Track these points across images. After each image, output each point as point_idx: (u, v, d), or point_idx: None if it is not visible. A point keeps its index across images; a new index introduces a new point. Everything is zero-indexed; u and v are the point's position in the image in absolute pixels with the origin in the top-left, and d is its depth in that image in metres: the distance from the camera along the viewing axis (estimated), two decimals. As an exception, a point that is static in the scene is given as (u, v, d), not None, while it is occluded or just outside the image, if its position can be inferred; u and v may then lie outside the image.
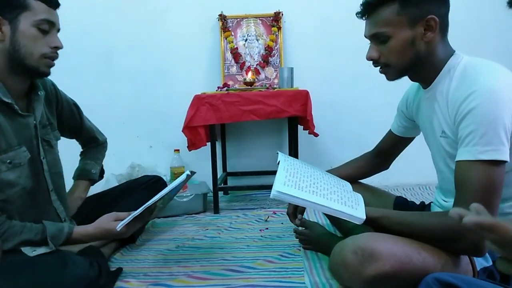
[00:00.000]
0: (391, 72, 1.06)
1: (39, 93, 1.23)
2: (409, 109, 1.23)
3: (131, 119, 2.47)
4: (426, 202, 1.30)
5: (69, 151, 1.49)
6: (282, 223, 1.82)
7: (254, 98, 1.96)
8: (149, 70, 2.44)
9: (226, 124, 2.42)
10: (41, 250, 1.10)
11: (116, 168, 2.21)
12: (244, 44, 2.37)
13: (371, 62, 1.07)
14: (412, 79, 1.12)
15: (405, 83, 1.17)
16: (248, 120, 1.98)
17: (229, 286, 1.22)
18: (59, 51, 1.17)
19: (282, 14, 2.36)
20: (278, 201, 1.75)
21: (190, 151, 2.03)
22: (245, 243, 1.59)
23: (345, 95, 2.46)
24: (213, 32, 2.40)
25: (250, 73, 2.26)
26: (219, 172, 2.28)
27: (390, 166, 1.40)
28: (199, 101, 1.95)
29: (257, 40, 2.37)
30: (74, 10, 2.23)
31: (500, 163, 0.87)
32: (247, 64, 2.36)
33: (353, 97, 2.45)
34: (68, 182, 1.43)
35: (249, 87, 2.15)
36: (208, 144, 2.04)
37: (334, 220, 1.47)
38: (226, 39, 2.36)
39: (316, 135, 2.05)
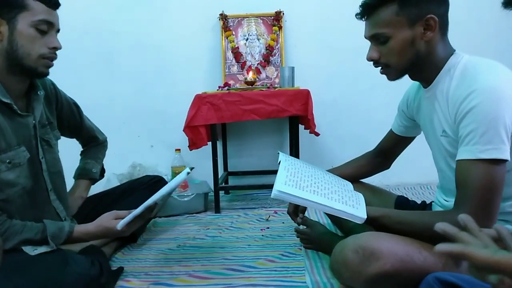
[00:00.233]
0: (392, 72, 1.06)
1: (38, 93, 1.23)
2: (410, 108, 1.23)
3: (132, 119, 2.47)
4: (427, 202, 1.30)
5: (69, 151, 1.49)
6: (283, 223, 1.82)
7: (255, 97, 1.96)
8: (150, 69, 2.44)
9: (227, 124, 2.42)
10: (42, 249, 1.10)
11: (117, 168, 2.21)
12: (245, 44, 2.37)
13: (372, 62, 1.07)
14: (413, 79, 1.12)
15: (406, 83, 1.17)
16: (249, 119, 1.98)
17: (230, 286, 1.22)
18: (60, 51, 1.17)
19: (283, 14, 2.36)
20: (279, 200, 1.76)
21: (191, 150, 2.03)
22: (246, 242, 1.59)
23: (346, 95, 2.45)
24: (214, 31, 2.40)
25: (251, 73, 2.26)
26: (220, 172, 2.28)
27: (391, 166, 1.40)
28: (200, 101, 1.95)
29: (258, 39, 2.37)
30: (75, 10, 2.24)
31: (500, 162, 0.87)
32: (248, 63, 2.36)
33: (354, 96, 2.45)
34: (69, 182, 1.43)
35: (250, 86, 2.15)
36: (209, 143, 2.04)
37: (335, 219, 1.47)
38: (227, 38, 2.36)
39: (317, 134, 2.05)
